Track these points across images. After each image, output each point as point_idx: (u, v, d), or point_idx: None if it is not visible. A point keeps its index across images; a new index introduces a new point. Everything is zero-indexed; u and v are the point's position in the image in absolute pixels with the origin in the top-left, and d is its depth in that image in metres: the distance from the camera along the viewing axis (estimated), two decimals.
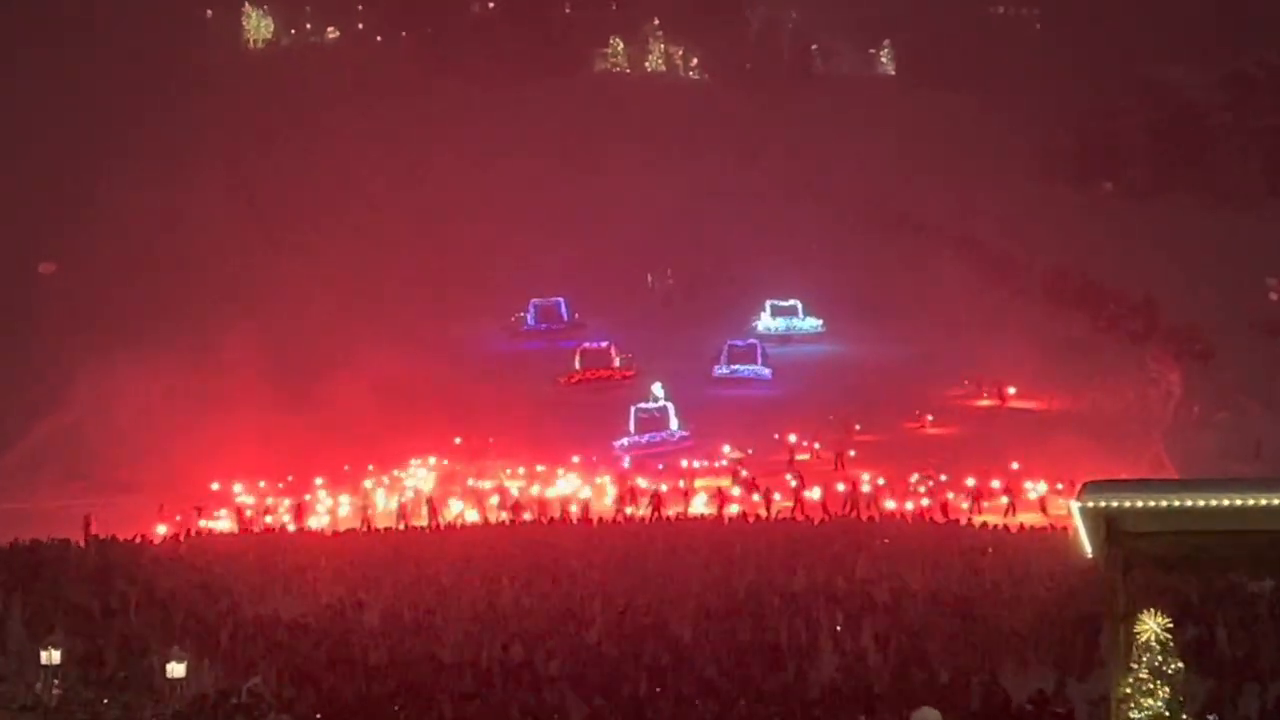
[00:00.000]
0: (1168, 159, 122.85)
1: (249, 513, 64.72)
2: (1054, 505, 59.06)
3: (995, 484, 62.84)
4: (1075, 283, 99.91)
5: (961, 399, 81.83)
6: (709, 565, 48.85)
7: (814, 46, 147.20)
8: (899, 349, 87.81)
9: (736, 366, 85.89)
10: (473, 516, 63.28)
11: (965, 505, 61.64)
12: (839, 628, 42.00)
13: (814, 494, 63.16)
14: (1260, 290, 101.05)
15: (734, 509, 61.77)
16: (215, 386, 76.54)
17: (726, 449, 71.39)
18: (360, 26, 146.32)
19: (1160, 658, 20.08)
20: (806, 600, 44.04)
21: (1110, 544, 20.64)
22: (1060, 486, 60.11)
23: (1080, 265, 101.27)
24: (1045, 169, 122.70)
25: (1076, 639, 38.99)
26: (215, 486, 66.83)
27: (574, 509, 63.27)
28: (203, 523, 63.27)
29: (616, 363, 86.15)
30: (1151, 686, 20.03)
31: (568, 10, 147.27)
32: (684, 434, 75.85)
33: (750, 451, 71.06)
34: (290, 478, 67.99)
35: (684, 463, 70.56)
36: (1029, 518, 59.09)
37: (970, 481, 62.74)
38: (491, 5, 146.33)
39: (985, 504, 61.85)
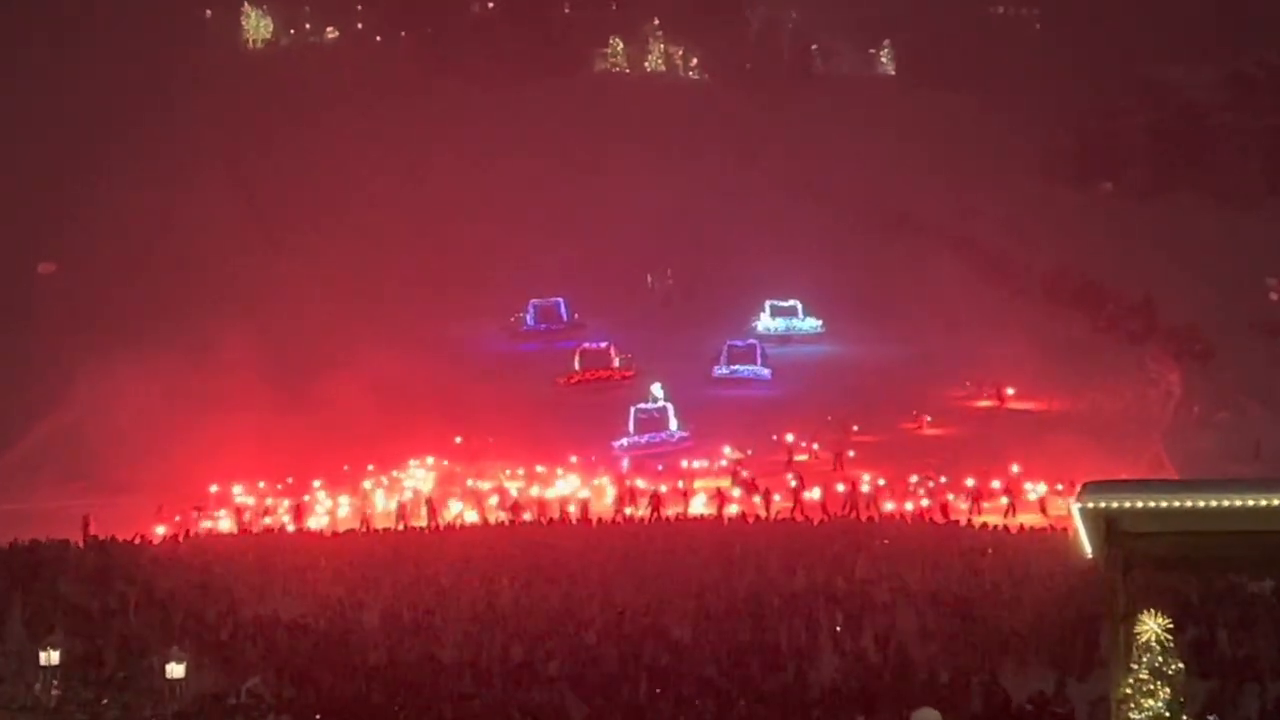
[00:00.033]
0: (1168, 159, 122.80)
1: (248, 514, 64.64)
2: (1054, 506, 58.99)
3: (995, 484, 62.73)
4: (1075, 283, 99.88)
5: (961, 400, 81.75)
6: (708, 566, 48.80)
7: (814, 46, 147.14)
8: (899, 349, 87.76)
9: (736, 367, 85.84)
10: (472, 517, 63.21)
11: (963, 505, 61.52)
12: (839, 628, 41.98)
13: (814, 494, 63.08)
14: (1260, 290, 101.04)
15: (733, 509, 61.72)
16: (214, 387, 76.46)
17: (727, 450, 71.33)
18: (359, 26, 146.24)
19: (1160, 658, 20.05)
20: (806, 601, 44.01)
21: (1110, 544, 20.62)
22: (1060, 487, 60.03)
23: (1080, 265, 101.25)
24: (1045, 169, 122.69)
25: (1076, 639, 38.98)
26: (214, 489, 66.73)
27: (572, 509, 63.21)
28: (202, 523, 63.24)
29: (616, 363, 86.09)
30: (1152, 687, 20.00)
31: (567, 10, 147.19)
32: (683, 434, 75.79)
33: (749, 453, 71.00)
34: (291, 481, 67.88)
35: (684, 463, 70.52)
36: (1029, 518, 59.02)
37: (970, 482, 62.66)
38: (491, 5, 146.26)
39: (986, 505, 61.77)
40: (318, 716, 36.80)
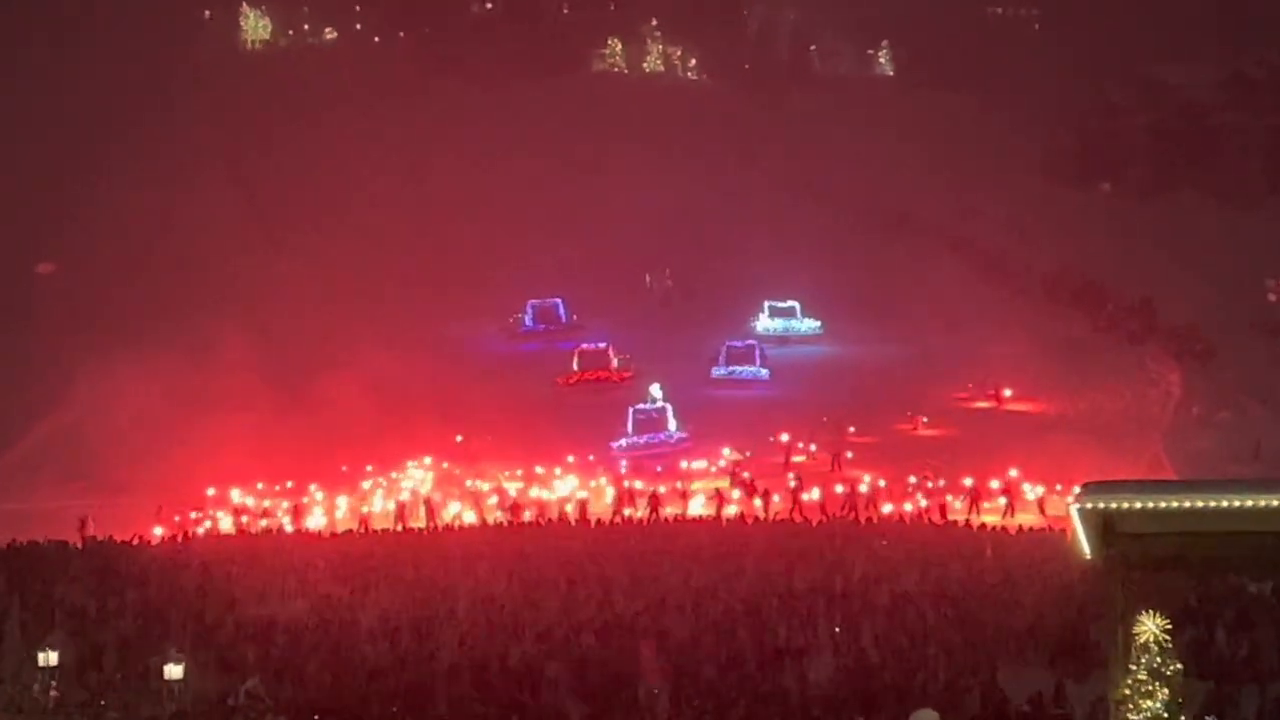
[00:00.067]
0: (1168, 159, 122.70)
1: (247, 515, 64.60)
2: (1052, 506, 58.93)
3: (994, 484, 62.68)
4: (1075, 283, 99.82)
5: (959, 401, 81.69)
6: (707, 567, 48.78)
7: (812, 47, 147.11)
8: (898, 350, 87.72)
9: (735, 367, 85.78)
10: (470, 518, 63.20)
11: (959, 505, 61.47)
12: (838, 629, 41.94)
13: (812, 495, 63.03)
14: (1260, 290, 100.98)
15: (732, 510, 61.70)
16: (214, 387, 76.44)
17: (726, 451, 71.28)
18: (358, 27, 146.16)
19: (1159, 659, 20.05)
20: (805, 601, 43.98)
21: (1108, 545, 20.62)
22: (1059, 487, 59.97)
23: (1080, 265, 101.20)
24: (1045, 169, 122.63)
25: (1075, 640, 38.95)
26: (211, 492, 66.71)
27: (570, 509, 63.21)
28: (201, 524, 63.23)
29: (615, 364, 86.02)
30: (1150, 688, 20.00)
31: (566, 11, 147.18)
32: (682, 435, 75.75)
33: (748, 454, 70.95)
34: (291, 484, 67.82)
35: (683, 464, 70.51)
36: (1027, 519, 59.02)
37: (968, 482, 62.62)
38: (490, 6, 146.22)
39: (985, 505, 61.72)
40: (316, 717, 36.78)
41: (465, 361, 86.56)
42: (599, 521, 60.42)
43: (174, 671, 38.27)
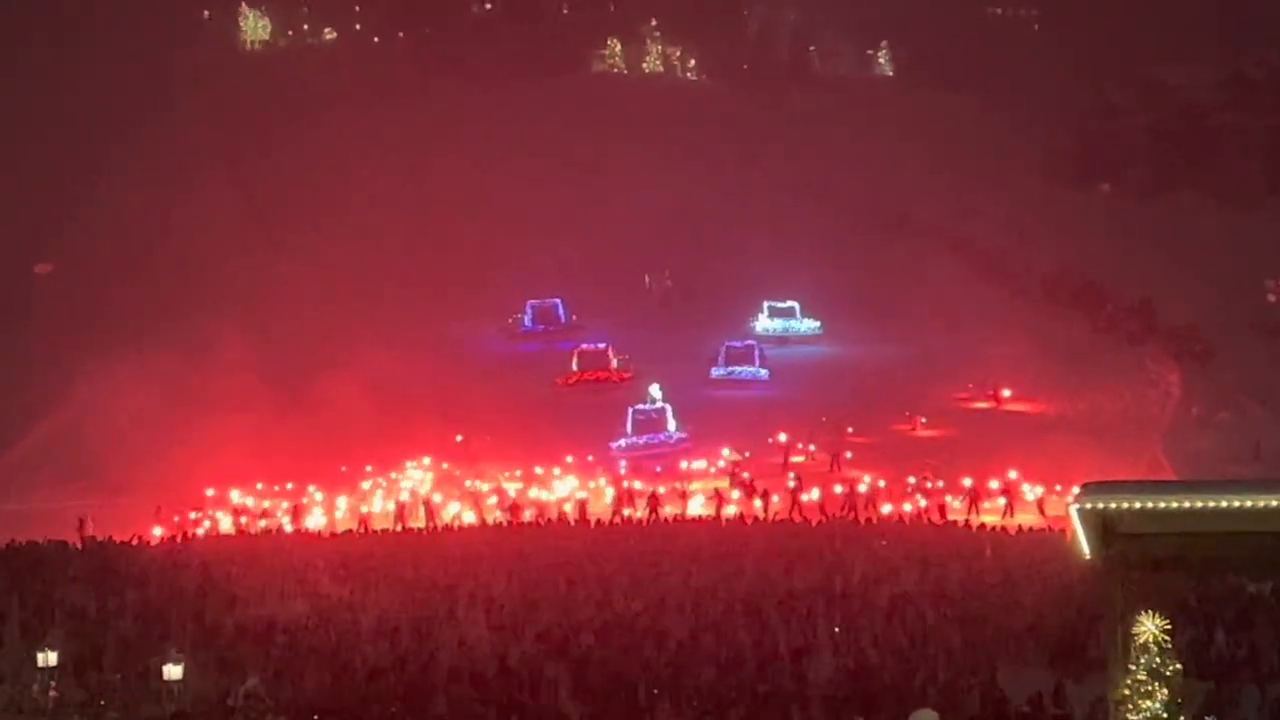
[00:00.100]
0: (1168, 159, 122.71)
1: (245, 517, 64.59)
2: (1052, 506, 58.94)
3: (994, 484, 62.68)
4: (1075, 283, 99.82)
5: (958, 401, 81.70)
6: (707, 567, 48.77)
7: (812, 47, 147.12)
8: (898, 350, 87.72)
9: (734, 368, 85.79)
10: (470, 518, 63.21)
11: (957, 504, 61.47)
12: (837, 629, 41.92)
13: (812, 495, 63.03)
14: (1260, 290, 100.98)
15: (731, 510, 61.71)
16: (213, 387, 76.46)
17: (726, 452, 71.27)
18: (358, 27, 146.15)
19: (1158, 659, 20.04)
20: (804, 601, 43.96)
21: (1108, 545, 20.61)
22: (1058, 488, 59.98)
23: (1080, 265, 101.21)
24: (1045, 169, 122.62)
25: (1074, 640, 38.91)
26: (210, 492, 66.72)
27: (569, 509, 63.22)
28: (201, 524, 63.23)
29: (614, 364, 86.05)
30: (1150, 688, 19.98)
31: (565, 11, 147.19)
32: (682, 435, 75.76)
33: (747, 454, 70.95)
34: (291, 485, 67.81)
35: (682, 464, 70.51)
36: (1027, 519, 59.02)
37: (967, 482, 62.62)
38: (489, 6, 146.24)
39: (985, 505, 61.72)
40: (316, 718, 36.76)
41: (465, 362, 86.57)
42: (598, 522, 60.45)
43: (173, 672, 38.23)
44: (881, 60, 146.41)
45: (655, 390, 77.74)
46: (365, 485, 68.57)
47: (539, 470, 69.36)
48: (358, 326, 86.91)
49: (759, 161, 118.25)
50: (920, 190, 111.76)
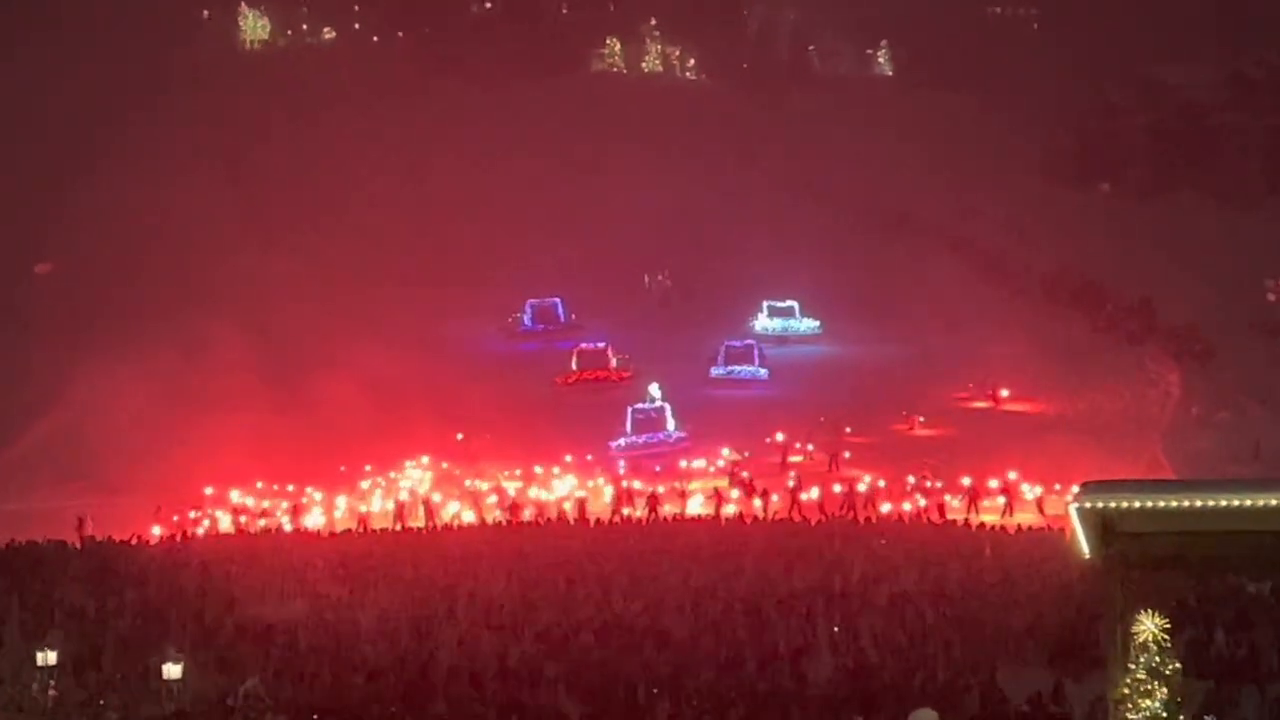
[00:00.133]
0: (1167, 159, 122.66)
1: (244, 516, 64.55)
2: (1051, 505, 58.92)
3: (993, 483, 62.67)
4: (1075, 283, 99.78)
5: (957, 401, 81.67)
6: (706, 566, 48.76)
7: (811, 47, 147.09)
8: (898, 349, 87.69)
9: (734, 367, 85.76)
10: (469, 517, 63.19)
11: (955, 503, 61.45)
12: (836, 629, 41.92)
13: (811, 495, 63.01)
14: (1260, 290, 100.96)
15: (730, 509, 61.70)
16: (212, 387, 76.43)
17: (726, 451, 71.25)
18: (357, 27, 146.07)
19: (1158, 658, 20.04)
20: (804, 601, 43.96)
21: (1107, 544, 20.60)
22: (1058, 487, 59.96)
23: (1080, 265, 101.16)
24: (1045, 169, 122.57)
25: (1074, 640, 38.92)
26: (209, 491, 66.69)
27: (569, 507, 63.22)
28: (200, 524, 63.21)
29: (613, 363, 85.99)
30: (1149, 687, 19.98)
31: (565, 11, 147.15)
32: (681, 435, 75.72)
33: (747, 454, 70.92)
34: (291, 487, 67.77)
35: (682, 463, 70.50)
36: (1026, 518, 59.00)
37: (966, 481, 62.60)
38: (489, 6, 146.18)
39: (984, 503, 61.70)
40: (315, 717, 36.76)
41: (464, 361, 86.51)
42: (598, 521, 60.43)
43: (173, 671, 38.27)
44: (881, 60, 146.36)
45: (654, 389, 77.71)
46: (364, 485, 68.53)
47: (538, 470, 69.34)
48: (357, 326, 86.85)
49: (758, 161, 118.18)
50: (920, 190, 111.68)
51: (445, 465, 71.31)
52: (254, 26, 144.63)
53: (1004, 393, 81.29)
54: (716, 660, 39.53)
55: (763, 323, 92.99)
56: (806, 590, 45.26)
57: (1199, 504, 20.12)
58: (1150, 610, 20.18)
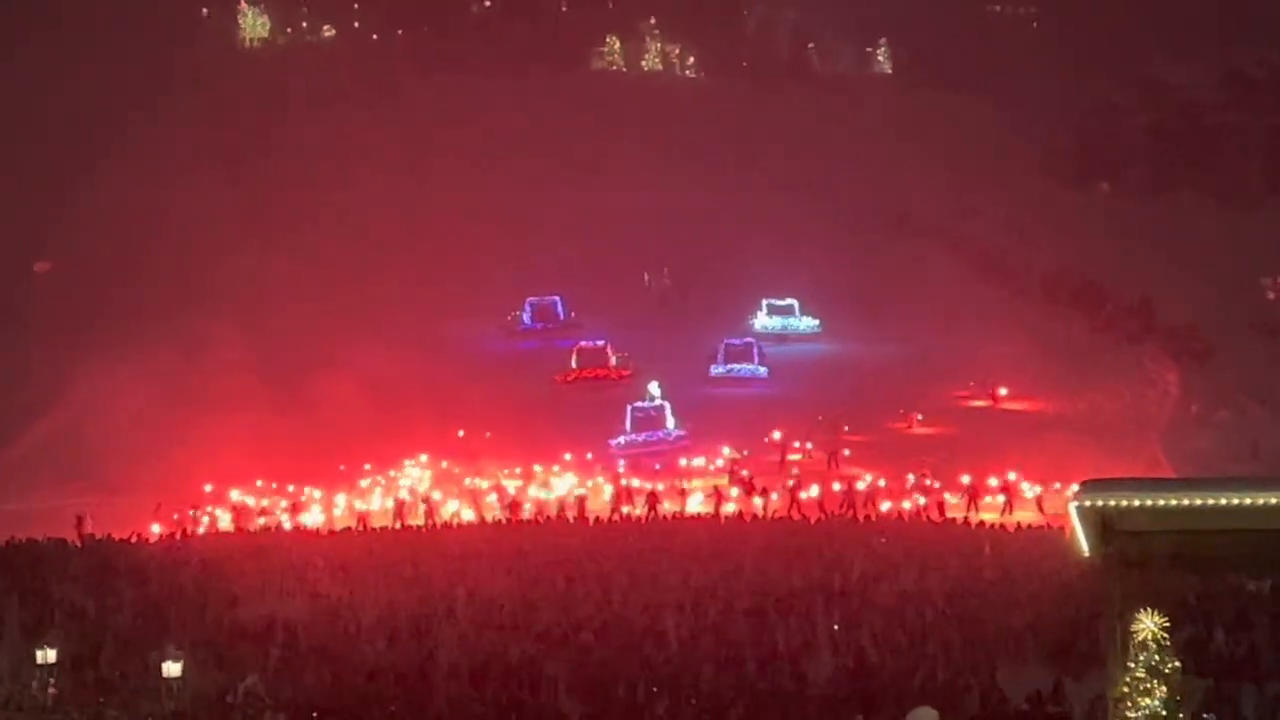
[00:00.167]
0: (1168, 159, 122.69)
1: (244, 514, 64.54)
2: (1051, 504, 58.91)
3: (993, 482, 62.67)
4: (1074, 283, 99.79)
5: (955, 399, 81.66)
6: (705, 565, 48.75)
7: (811, 45, 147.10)
8: (897, 349, 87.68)
9: (733, 365, 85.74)
10: (469, 516, 63.19)
11: (953, 500, 61.44)
12: (836, 627, 41.92)
13: (811, 493, 63.00)
14: (1259, 290, 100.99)
15: (730, 508, 61.70)
16: (212, 386, 76.39)
17: (726, 450, 71.22)
18: (357, 25, 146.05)
19: (1157, 657, 20.03)
20: (804, 600, 43.95)
21: (1107, 543, 20.60)
22: (1057, 486, 59.97)
23: (1079, 265, 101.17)
24: (1045, 169, 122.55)
25: (1073, 638, 38.93)
26: (208, 488, 66.68)
27: (570, 502, 63.22)
28: (200, 522, 63.21)
29: (613, 362, 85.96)
30: (1149, 686, 19.98)
31: (564, 9, 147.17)
32: (681, 433, 75.70)
33: (746, 453, 70.91)
34: (291, 488, 67.74)
35: (681, 462, 70.50)
36: (1026, 516, 59.00)
37: (965, 479, 62.61)
38: (488, 4, 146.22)
39: (984, 502, 61.70)
40: (314, 715, 36.76)
41: (463, 360, 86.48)
42: (597, 520, 60.41)
43: (172, 669, 38.27)
44: (880, 58, 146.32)
45: (654, 388, 77.68)
46: (364, 483, 68.52)
47: (538, 468, 69.34)
48: (356, 325, 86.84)
49: (758, 159, 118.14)
50: (920, 189, 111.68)
51: (445, 464, 71.28)
52: (253, 25, 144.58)
53: (1002, 391, 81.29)
54: (716, 659, 39.52)
55: (762, 321, 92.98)
56: (806, 589, 45.25)
57: (1198, 502, 20.12)
58: (1150, 608, 20.18)
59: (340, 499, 65.99)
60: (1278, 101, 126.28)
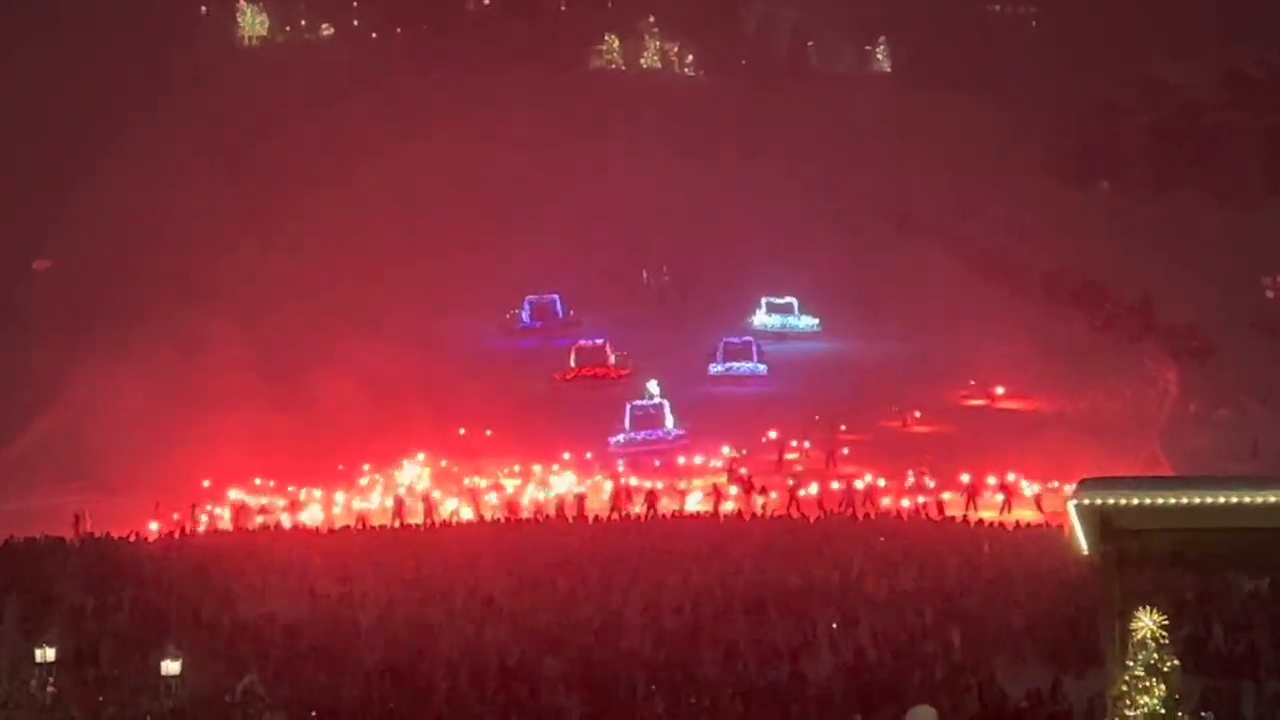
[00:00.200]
0: (1168, 159, 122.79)
1: (243, 513, 64.53)
2: (1050, 503, 58.91)
3: (992, 480, 62.67)
4: (1075, 282, 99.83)
5: (957, 398, 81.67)
6: (705, 563, 48.72)
7: (810, 44, 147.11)
8: (897, 347, 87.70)
9: (732, 364, 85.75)
10: (468, 514, 63.18)
11: (949, 498, 61.44)
12: (835, 626, 41.89)
13: (811, 491, 63.00)
14: (1259, 289, 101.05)
15: (729, 506, 61.69)
16: (211, 385, 76.44)
17: (726, 450, 71.20)
18: (355, 23, 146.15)
19: (1156, 655, 20.00)
20: (802, 598, 43.93)
21: (1106, 541, 20.57)
22: (1056, 484, 59.97)
23: (1080, 265, 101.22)
24: (1045, 168, 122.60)
25: (1072, 636, 38.89)
26: (206, 484, 66.68)
27: (569, 501, 63.22)
28: (199, 521, 63.20)
29: (612, 360, 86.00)
30: (1147, 684, 19.94)
31: (563, 7, 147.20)
32: (680, 432, 75.71)
33: (745, 452, 70.89)
34: (291, 487, 67.74)
35: (680, 460, 70.48)
36: (1025, 515, 59.00)
37: (965, 478, 62.61)
38: (487, 2, 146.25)
39: (983, 500, 61.70)
40: (313, 714, 36.73)
41: (462, 358, 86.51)
42: (596, 518, 60.39)
43: (171, 668, 38.26)
44: (879, 57, 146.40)
45: (653, 386, 77.69)
46: (363, 481, 68.56)
47: (537, 467, 69.34)
48: (355, 323, 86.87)
49: (757, 157, 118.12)
50: (920, 189, 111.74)
51: (444, 462, 71.29)
52: (252, 23, 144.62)
53: (999, 390, 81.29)
54: (715, 658, 39.49)
55: (761, 319, 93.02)
56: (805, 587, 45.22)
57: (1197, 501, 20.09)
58: (1149, 607, 20.14)
59: (339, 497, 66.02)
60: (1278, 101, 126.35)
